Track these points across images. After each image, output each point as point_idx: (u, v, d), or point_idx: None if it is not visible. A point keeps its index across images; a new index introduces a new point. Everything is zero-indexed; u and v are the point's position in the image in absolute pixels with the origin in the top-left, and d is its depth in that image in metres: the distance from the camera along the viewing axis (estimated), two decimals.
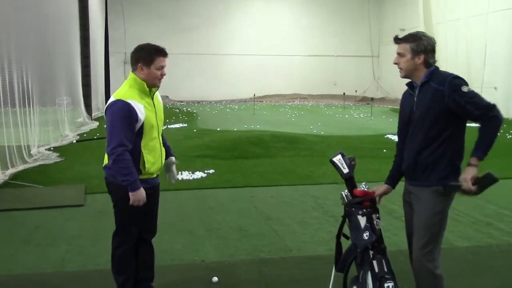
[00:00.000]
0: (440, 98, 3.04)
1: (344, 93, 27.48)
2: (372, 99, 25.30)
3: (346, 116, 21.37)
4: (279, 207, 6.66)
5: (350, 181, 3.45)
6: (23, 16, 9.99)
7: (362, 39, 33.97)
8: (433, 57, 3.17)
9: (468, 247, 5.12)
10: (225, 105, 28.06)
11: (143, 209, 3.49)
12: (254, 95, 25.87)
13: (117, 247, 3.65)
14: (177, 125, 16.06)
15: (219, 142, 11.23)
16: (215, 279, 4.21)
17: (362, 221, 3.31)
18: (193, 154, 9.81)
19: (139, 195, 3.36)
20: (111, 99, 3.40)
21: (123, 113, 3.30)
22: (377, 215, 3.34)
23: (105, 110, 3.45)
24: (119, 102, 3.33)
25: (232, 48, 32.27)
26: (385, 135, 13.43)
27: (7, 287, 4.21)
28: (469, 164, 3.02)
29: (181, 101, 29.87)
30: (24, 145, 9.51)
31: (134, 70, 3.46)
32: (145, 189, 3.41)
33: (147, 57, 3.40)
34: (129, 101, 3.32)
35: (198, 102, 30.09)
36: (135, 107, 3.33)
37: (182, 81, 29.62)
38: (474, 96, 2.98)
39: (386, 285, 3.12)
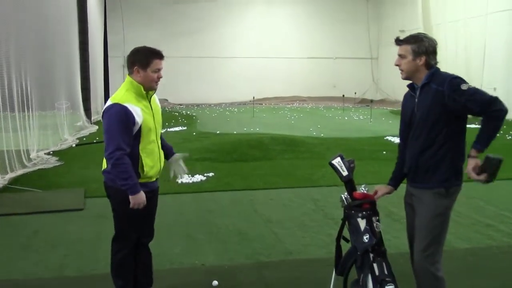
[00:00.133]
0: (440, 99, 3.03)
1: (343, 95, 27.49)
2: (371, 101, 25.35)
3: (346, 118, 21.37)
4: (279, 209, 6.64)
5: (349, 184, 3.44)
6: (22, 19, 9.98)
7: (361, 41, 34.00)
8: (435, 58, 3.17)
9: (468, 249, 5.11)
10: (224, 108, 28.06)
11: (143, 213, 3.48)
12: (254, 97, 25.88)
13: (116, 251, 3.63)
14: (176, 128, 16.06)
15: (219, 145, 11.23)
16: (215, 283, 4.19)
17: (362, 223, 3.30)
18: (193, 157, 9.74)
19: (139, 199, 3.35)
20: (108, 103, 3.39)
21: (120, 117, 3.28)
22: (377, 217, 3.33)
23: (102, 114, 3.43)
24: (116, 105, 3.31)
25: (232, 51, 32.30)
26: (385, 137, 13.43)
27: None
28: (469, 156, 3.03)
29: (181, 104, 29.88)
30: (23, 150, 9.49)
31: (130, 73, 3.45)
32: (144, 192, 3.40)
33: (143, 59, 3.39)
34: (126, 104, 3.31)
35: (198, 105, 30.11)
36: (132, 111, 3.31)
37: (181, 84, 29.65)
38: (474, 93, 2.96)
39: None
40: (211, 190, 7.69)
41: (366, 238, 3.24)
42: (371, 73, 34.43)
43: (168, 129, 15.31)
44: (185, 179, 8.14)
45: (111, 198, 3.56)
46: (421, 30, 21.78)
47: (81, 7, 16.71)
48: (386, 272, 3.17)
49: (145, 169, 3.44)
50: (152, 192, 3.62)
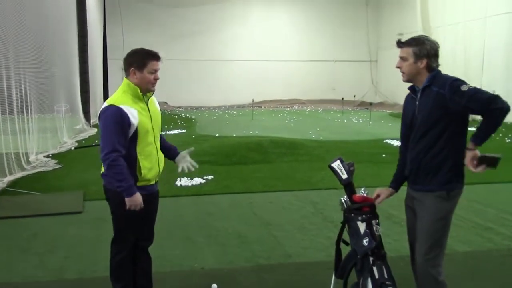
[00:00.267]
0: (441, 102, 3.03)
1: (342, 98, 27.47)
2: (370, 103, 25.35)
3: (345, 121, 21.37)
4: (278, 212, 6.63)
5: (349, 187, 3.44)
6: (21, 22, 9.98)
7: (360, 44, 34.01)
8: (436, 61, 3.16)
9: (468, 252, 5.11)
10: (223, 111, 28.05)
11: (141, 215, 3.47)
12: (253, 100, 25.86)
13: (115, 254, 3.63)
14: (175, 131, 16.05)
15: (218, 148, 11.22)
16: (214, 286, 4.18)
17: (362, 227, 3.29)
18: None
19: (135, 200, 3.34)
20: (104, 105, 3.40)
21: (115, 118, 3.29)
22: (377, 220, 3.33)
23: (99, 116, 3.44)
24: (111, 107, 3.32)
25: (231, 54, 32.29)
26: (384, 139, 13.41)
27: None
28: (467, 149, 3.05)
29: (180, 107, 29.86)
30: (23, 152, 9.49)
31: (127, 75, 3.45)
32: (142, 195, 3.39)
33: (140, 61, 3.39)
34: (121, 106, 3.31)
35: (197, 108, 30.09)
36: (128, 112, 3.31)
37: (180, 87, 29.63)
38: (475, 93, 2.96)
39: None
40: (211, 193, 7.68)
41: (365, 241, 3.24)
42: (370, 76, 34.43)
43: (167, 132, 15.31)
44: (184, 182, 8.13)
45: (109, 201, 3.55)
46: (420, 33, 21.78)
47: (80, 9, 16.72)
48: (386, 276, 3.17)
49: (142, 171, 3.43)
50: (151, 196, 3.60)
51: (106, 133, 3.30)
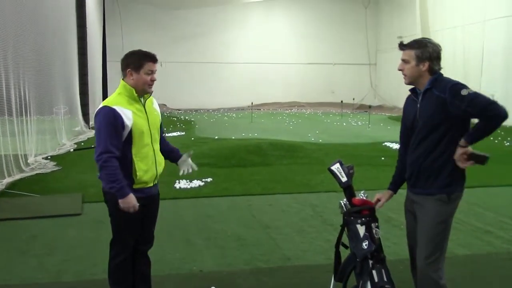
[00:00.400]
0: (442, 106, 3.03)
1: (341, 101, 27.51)
2: (369, 106, 25.37)
3: (344, 124, 21.39)
4: (277, 215, 6.62)
5: (348, 190, 3.43)
6: (21, 23, 9.99)
7: (359, 47, 34.09)
8: (438, 64, 3.16)
9: (468, 255, 5.10)
10: (223, 113, 28.07)
11: (139, 217, 3.45)
12: (252, 103, 25.89)
13: (113, 257, 3.61)
14: (174, 134, 16.06)
15: (217, 151, 11.22)
16: None
17: (361, 230, 3.29)
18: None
19: (128, 202, 3.31)
20: (99, 106, 3.40)
21: (108, 119, 3.28)
22: (376, 224, 3.32)
23: (94, 117, 3.43)
24: (104, 108, 3.32)
25: (230, 57, 32.35)
26: (383, 142, 13.42)
27: None
28: (458, 145, 3.05)
29: (179, 110, 29.88)
30: (21, 154, 9.47)
31: (124, 76, 3.45)
32: (139, 198, 3.37)
33: (136, 62, 3.39)
34: (114, 107, 3.30)
35: (196, 110, 30.11)
36: (121, 113, 3.30)
37: (179, 89, 29.69)
38: (474, 98, 2.96)
39: None
40: (209, 196, 7.67)
41: (365, 244, 3.23)
42: (369, 79, 34.50)
43: (167, 134, 15.28)
44: (183, 184, 8.12)
45: (108, 203, 3.53)
46: (419, 36, 21.83)
47: (80, 12, 16.74)
48: (385, 279, 3.17)
49: (138, 173, 3.40)
50: (149, 199, 3.57)
51: (99, 134, 3.30)
